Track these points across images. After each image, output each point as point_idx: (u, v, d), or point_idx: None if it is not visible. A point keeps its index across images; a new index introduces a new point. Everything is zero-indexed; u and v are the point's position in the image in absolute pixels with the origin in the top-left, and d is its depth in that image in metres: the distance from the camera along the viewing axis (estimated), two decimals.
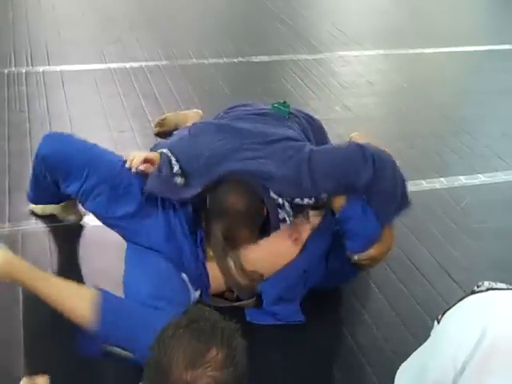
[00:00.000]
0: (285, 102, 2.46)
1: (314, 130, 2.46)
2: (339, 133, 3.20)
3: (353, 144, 2.20)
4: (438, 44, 4.88)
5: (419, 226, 2.73)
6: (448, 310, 1.40)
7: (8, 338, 2.06)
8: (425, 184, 3.03)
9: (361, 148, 2.10)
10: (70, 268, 2.38)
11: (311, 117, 2.54)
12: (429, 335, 2.07)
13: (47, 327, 2.10)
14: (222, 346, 1.21)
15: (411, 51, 4.75)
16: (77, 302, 1.86)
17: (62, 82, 3.90)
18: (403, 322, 2.20)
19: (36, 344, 2.06)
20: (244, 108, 2.47)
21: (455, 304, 1.39)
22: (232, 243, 2.08)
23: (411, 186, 2.94)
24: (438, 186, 3.03)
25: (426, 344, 1.45)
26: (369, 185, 2.04)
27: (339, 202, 2.09)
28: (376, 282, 2.38)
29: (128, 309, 1.91)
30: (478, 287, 1.41)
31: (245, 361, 1.26)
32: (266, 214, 2.09)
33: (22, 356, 2.00)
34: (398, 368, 1.95)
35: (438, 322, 1.42)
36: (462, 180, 3.08)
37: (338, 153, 2.14)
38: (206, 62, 4.29)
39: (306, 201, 2.09)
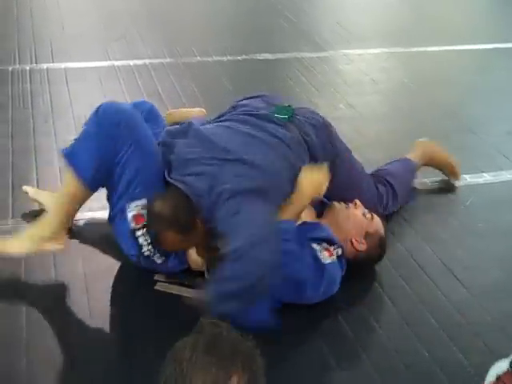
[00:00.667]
0: (289, 106, 2.44)
1: (317, 133, 2.43)
2: (343, 131, 3.17)
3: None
4: (443, 42, 4.86)
5: (423, 225, 2.72)
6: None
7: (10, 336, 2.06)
8: (429, 183, 3.02)
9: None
10: (73, 266, 2.38)
11: (317, 119, 2.50)
12: (432, 334, 2.09)
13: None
14: (243, 372, 1.17)
15: (415, 49, 4.74)
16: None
17: (66, 79, 3.90)
18: (406, 321, 2.19)
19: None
20: (247, 106, 2.46)
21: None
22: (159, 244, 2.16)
23: (417, 185, 2.96)
24: (442, 184, 3.02)
25: None
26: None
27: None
28: (379, 282, 2.38)
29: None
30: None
31: (264, 380, 1.22)
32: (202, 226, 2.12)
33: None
34: (400, 366, 1.97)
35: None
36: (467, 179, 3.06)
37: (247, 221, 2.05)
38: (210, 59, 4.29)
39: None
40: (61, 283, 2.29)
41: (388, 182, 2.72)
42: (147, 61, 4.17)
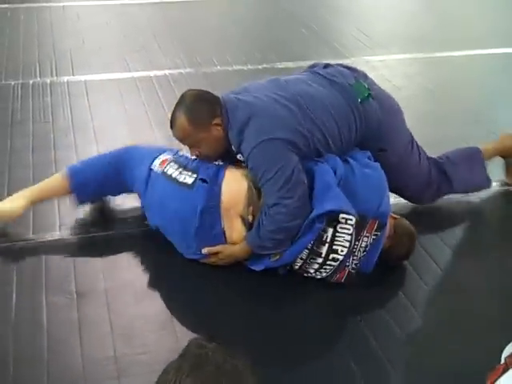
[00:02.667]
0: (369, 91, 2.43)
1: (381, 121, 2.44)
2: None
3: None
4: (466, 47, 4.79)
5: (449, 233, 2.65)
6: (494, 381, 1.25)
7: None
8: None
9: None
10: (93, 279, 2.35)
11: (390, 109, 2.52)
12: (458, 342, 2.02)
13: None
14: None
15: (438, 54, 4.67)
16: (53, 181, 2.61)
17: (86, 91, 3.90)
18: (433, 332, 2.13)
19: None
20: (329, 70, 2.49)
21: (500, 373, 1.25)
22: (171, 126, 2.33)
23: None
24: (451, 196, 2.93)
25: None
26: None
27: None
28: (404, 290, 2.31)
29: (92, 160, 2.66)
30: None
31: None
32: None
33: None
34: (416, 362, 1.90)
35: None
36: (493, 185, 2.99)
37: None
38: (230, 68, 4.26)
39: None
40: (81, 298, 2.25)
41: (444, 169, 2.69)
42: (167, 71, 4.16)
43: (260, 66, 4.30)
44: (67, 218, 2.68)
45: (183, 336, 2.05)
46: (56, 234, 2.58)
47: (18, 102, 3.72)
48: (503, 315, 2.20)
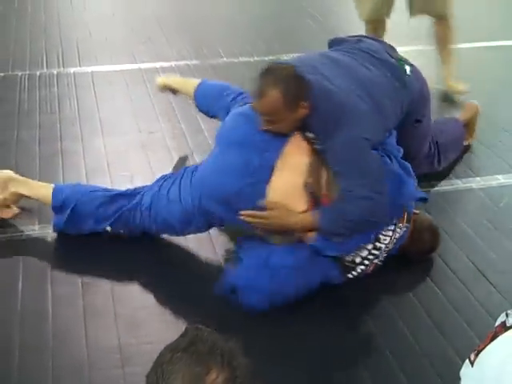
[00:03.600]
0: (411, 68, 2.51)
1: (420, 91, 2.54)
2: None
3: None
4: (474, 39, 4.76)
5: (455, 228, 2.65)
6: (481, 349, 1.30)
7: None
8: (461, 184, 2.95)
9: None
10: (98, 270, 2.37)
11: (421, 77, 2.59)
12: (465, 341, 2.02)
13: None
14: (222, 368, 1.16)
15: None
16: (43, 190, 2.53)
17: (93, 82, 3.90)
18: (439, 328, 2.13)
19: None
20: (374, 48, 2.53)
21: (489, 342, 1.28)
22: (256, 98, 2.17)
23: (446, 186, 2.89)
24: (474, 185, 2.94)
25: None
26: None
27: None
28: (410, 287, 2.32)
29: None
30: (507, 316, 1.30)
31: (247, 381, 1.20)
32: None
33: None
34: (431, 374, 1.91)
35: (472, 363, 1.31)
36: (500, 179, 2.98)
37: None
38: (236, 60, 4.26)
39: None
40: (87, 288, 2.27)
41: (437, 142, 2.85)
42: (173, 63, 4.16)
43: (266, 58, 4.28)
44: None
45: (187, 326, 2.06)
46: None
47: (24, 92, 3.73)
48: None
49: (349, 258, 2.22)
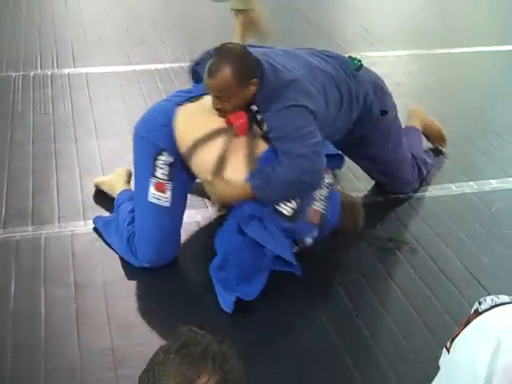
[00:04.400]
0: (361, 63, 2.60)
1: (371, 93, 2.60)
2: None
3: None
4: (467, 44, 4.78)
5: (448, 232, 2.66)
6: (456, 336, 1.32)
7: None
8: (454, 188, 2.96)
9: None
10: (91, 272, 2.37)
11: (376, 87, 2.65)
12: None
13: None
14: (213, 371, 1.16)
15: (440, 51, 4.67)
16: None
17: (87, 83, 3.90)
18: (430, 332, 2.14)
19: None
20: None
21: (462, 328, 1.31)
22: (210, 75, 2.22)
23: (439, 191, 2.91)
24: (467, 190, 2.95)
25: (439, 378, 1.35)
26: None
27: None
28: (402, 289, 2.32)
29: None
30: (480, 304, 1.33)
31: (242, 381, 1.21)
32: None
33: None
34: (423, 378, 1.91)
35: (448, 351, 1.33)
36: (493, 184, 3.00)
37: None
38: None
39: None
40: (79, 290, 2.27)
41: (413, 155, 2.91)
42: (168, 65, 4.16)
43: None
44: (66, 210, 2.69)
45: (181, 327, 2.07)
46: (55, 226, 2.59)
47: (18, 93, 3.72)
48: None
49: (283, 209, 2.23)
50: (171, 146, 2.31)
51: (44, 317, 2.13)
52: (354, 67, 2.57)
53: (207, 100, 2.31)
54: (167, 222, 2.36)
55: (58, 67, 4.11)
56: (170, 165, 2.33)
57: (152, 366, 1.18)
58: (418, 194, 2.89)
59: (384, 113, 2.66)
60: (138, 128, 2.42)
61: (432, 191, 2.92)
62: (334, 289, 2.33)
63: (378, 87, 2.66)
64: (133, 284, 2.34)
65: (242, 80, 2.21)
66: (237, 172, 2.24)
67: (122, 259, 2.44)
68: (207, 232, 2.54)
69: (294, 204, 2.23)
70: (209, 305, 2.21)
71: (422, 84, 4.18)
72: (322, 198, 2.31)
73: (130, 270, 2.39)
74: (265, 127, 2.28)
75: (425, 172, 2.95)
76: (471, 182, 2.99)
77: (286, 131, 2.22)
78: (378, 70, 4.22)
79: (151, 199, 2.34)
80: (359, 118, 2.58)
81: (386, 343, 2.10)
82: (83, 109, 3.60)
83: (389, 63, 4.43)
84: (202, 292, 2.27)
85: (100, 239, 2.53)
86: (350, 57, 2.64)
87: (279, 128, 2.23)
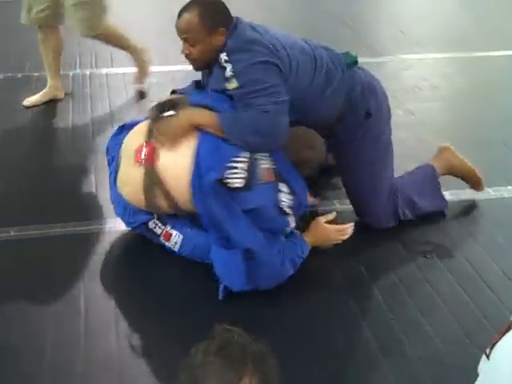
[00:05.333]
0: (355, 59, 2.54)
1: (359, 92, 2.49)
2: (401, 137, 3.12)
3: None
4: (505, 47, 4.73)
5: (486, 237, 2.63)
6: (496, 343, 1.30)
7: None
8: (492, 193, 2.92)
9: None
10: (153, 268, 2.40)
11: (366, 87, 2.52)
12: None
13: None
14: (254, 373, 1.16)
15: (477, 54, 4.62)
16: None
17: (125, 83, 3.95)
18: (468, 337, 2.12)
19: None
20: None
21: (502, 335, 1.29)
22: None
23: (477, 195, 2.88)
24: (505, 194, 2.92)
25: None
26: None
27: None
28: (439, 294, 2.31)
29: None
30: None
31: (278, 381, 1.21)
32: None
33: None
34: None
35: (488, 357, 1.31)
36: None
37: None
38: None
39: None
40: (118, 288, 2.30)
41: (397, 193, 2.63)
42: None
43: None
44: (110, 210, 2.73)
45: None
46: (97, 224, 2.64)
47: None
48: None
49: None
50: None
51: (83, 313, 2.17)
52: (346, 61, 2.50)
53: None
54: None
55: (96, 67, 4.17)
56: None
57: (190, 368, 1.18)
58: (456, 198, 2.86)
59: (368, 115, 2.51)
60: None
61: (470, 195, 2.89)
62: (370, 291, 2.32)
63: (368, 88, 2.53)
64: (170, 278, 2.37)
65: (207, 24, 2.27)
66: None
67: (161, 257, 2.46)
68: None
69: (241, 174, 2.20)
70: (242, 305, 2.22)
71: (458, 87, 4.15)
72: (265, 155, 2.28)
73: (169, 264, 2.41)
74: (227, 73, 2.26)
75: (409, 215, 2.66)
76: (509, 187, 2.96)
77: (253, 86, 2.23)
78: (414, 72, 4.26)
79: None
80: (343, 115, 2.48)
81: (423, 347, 2.09)
82: (120, 108, 3.64)
83: (426, 66, 4.41)
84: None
85: (142, 239, 2.55)
86: (346, 52, 2.57)
87: (247, 83, 2.23)
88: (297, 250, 2.32)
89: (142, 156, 2.27)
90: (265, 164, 2.27)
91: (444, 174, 2.79)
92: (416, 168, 2.80)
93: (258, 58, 2.25)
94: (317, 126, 2.55)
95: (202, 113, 2.28)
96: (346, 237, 2.46)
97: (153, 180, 2.26)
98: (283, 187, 2.27)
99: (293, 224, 2.32)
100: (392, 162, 2.64)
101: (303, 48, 2.44)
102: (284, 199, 2.27)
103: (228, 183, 2.18)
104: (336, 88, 2.44)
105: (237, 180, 2.19)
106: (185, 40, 2.33)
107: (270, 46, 2.29)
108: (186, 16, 2.30)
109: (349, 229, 2.46)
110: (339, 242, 2.46)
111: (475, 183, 2.84)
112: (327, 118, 2.49)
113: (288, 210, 2.27)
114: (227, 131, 2.22)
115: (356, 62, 2.55)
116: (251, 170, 2.22)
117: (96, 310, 2.19)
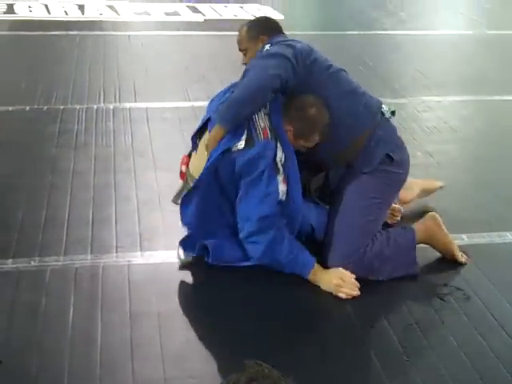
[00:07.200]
0: (393, 112, 2.73)
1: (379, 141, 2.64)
2: (419, 178, 3.13)
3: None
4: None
5: (503, 280, 2.62)
6: None
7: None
8: (509, 236, 2.92)
9: None
10: (146, 302, 2.42)
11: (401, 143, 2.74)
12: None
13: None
14: None
15: (496, 97, 4.66)
16: None
17: (147, 118, 4.02)
18: (483, 381, 2.10)
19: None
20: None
21: None
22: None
23: (495, 238, 2.88)
24: None
25: None
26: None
27: None
28: (456, 338, 2.29)
29: None
30: None
31: None
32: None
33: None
34: None
35: None
36: None
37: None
38: None
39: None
40: (135, 319, 2.32)
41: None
42: None
43: None
44: (124, 240, 2.77)
45: (231, 361, 2.08)
46: (113, 256, 2.67)
47: (82, 125, 3.87)
48: None
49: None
50: None
51: (100, 343, 2.18)
52: (381, 109, 2.67)
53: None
54: None
55: (119, 101, 4.26)
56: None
57: None
58: (474, 241, 2.86)
59: (390, 158, 2.61)
60: None
61: (487, 238, 2.89)
62: (385, 332, 2.31)
63: (399, 141, 2.73)
64: (187, 315, 2.38)
65: (251, 34, 2.74)
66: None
67: (176, 290, 2.49)
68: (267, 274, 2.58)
69: (243, 135, 2.50)
70: (261, 339, 2.23)
71: (477, 130, 4.17)
72: (259, 115, 2.53)
73: (185, 302, 2.44)
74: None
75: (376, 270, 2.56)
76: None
77: (252, 63, 2.61)
78: (433, 114, 4.30)
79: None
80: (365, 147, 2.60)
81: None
82: (143, 142, 3.71)
83: (445, 108, 4.45)
84: (256, 326, 2.29)
85: (155, 271, 2.59)
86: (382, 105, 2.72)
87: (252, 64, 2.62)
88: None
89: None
90: (261, 122, 2.52)
91: (423, 243, 2.67)
92: (397, 230, 2.72)
93: (289, 41, 2.63)
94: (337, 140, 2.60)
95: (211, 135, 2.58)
96: (346, 292, 2.44)
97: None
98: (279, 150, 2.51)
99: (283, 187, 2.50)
100: (381, 222, 2.64)
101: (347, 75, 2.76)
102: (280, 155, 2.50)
103: (233, 148, 2.49)
104: (365, 110, 2.63)
105: (240, 142, 2.49)
106: (240, 49, 2.83)
107: (306, 48, 2.62)
108: (239, 31, 2.82)
109: (354, 290, 2.45)
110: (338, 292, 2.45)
111: (452, 258, 2.69)
112: (341, 139, 2.59)
113: (281, 169, 2.49)
114: (224, 123, 2.51)
115: (393, 113, 2.73)
116: (250, 130, 2.50)
117: (112, 340, 2.21)
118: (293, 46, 2.57)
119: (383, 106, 2.71)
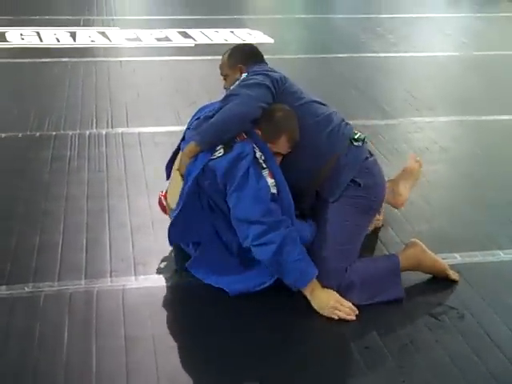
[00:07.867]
0: (361, 137, 2.74)
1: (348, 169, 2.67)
2: (410, 198, 3.16)
3: None
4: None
5: (496, 298, 2.63)
6: None
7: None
8: (502, 255, 2.94)
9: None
10: (141, 325, 2.41)
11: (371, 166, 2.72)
12: None
13: None
14: None
15: (486, 118, 4.71)
16: None
17: (140, 143, 4.04)
18: None
19: None
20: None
21: None
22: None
23: (488, 257, 2.90)
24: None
25: None
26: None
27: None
28: (451, 356, 2.30)
29: None
30: None
31: None
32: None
33: None
34: None
35: None
36: None
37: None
38: None
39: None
40: (130, 343, 2.31)
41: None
42: None
43: None
44: (118, 265, 2.76)
45: (229, 382, 2.09)
46: (107, 281, 2.66)
47: (75, 151, 3.88)
48: None
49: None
50: None
51: (95, 368, 2.17)
52: (352, 135, 2.72)
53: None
54: None
55: (112, 126, 4.28)
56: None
57: None
58: (467, 260, 2.88)
59: (357, 184, 2.62)
60: None
61: (480, 257, 2.91)
62: (381, 353, 2.31)
63: (367, 167, 2.69)
64: (182, 338, 2.37)
65: (231, 62, 2.89)
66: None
67: (171, 314, 2.49)
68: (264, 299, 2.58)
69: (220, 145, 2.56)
70: (260, 360, 2.22)
71: (467, 150, 4.21)
72: None
73: (180, 325, 2.44)
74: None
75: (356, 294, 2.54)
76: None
77: (235, 89, 2.68)
78: (424, 135, 4.34)
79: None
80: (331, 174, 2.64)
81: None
82: (135, 167, 3.72)
83: (435, 129, 4.49)
84: (254, 348, 2.29)
85: (149, 295, 2.58)
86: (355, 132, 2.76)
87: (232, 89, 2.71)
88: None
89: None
90: None
91: (408, 270, 2.65)
92: (381, 257, 2.77)
93: (266, 71, 2.74)
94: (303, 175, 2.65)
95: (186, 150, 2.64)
96: (341, 315, 2.44)
97: None
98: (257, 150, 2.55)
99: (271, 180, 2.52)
100: (358, 246, 2.63)
101: (320, 105, 2.81)
102: (259, 154, 2.54)
103: (213, 156, 2.55)
104: (331, 137, 2.67)
105: (218, 150, 2.54)
106: (221, 74, 2.96)
107: (282, 78, 2.75)
108: (222, 57, 2.95)
109: (350, 314, 2.45)
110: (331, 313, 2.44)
111: (444, 277, 2.71)
112: (314, 160, 2.64)
113: (264, 164, 2.52)
114: (202, 143, 2.57)
115: (362, 139, 2.75)
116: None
117: (108, 364, 2.20)
118: (269, 75, 2.69)
119: (356, 132, 2.75)
